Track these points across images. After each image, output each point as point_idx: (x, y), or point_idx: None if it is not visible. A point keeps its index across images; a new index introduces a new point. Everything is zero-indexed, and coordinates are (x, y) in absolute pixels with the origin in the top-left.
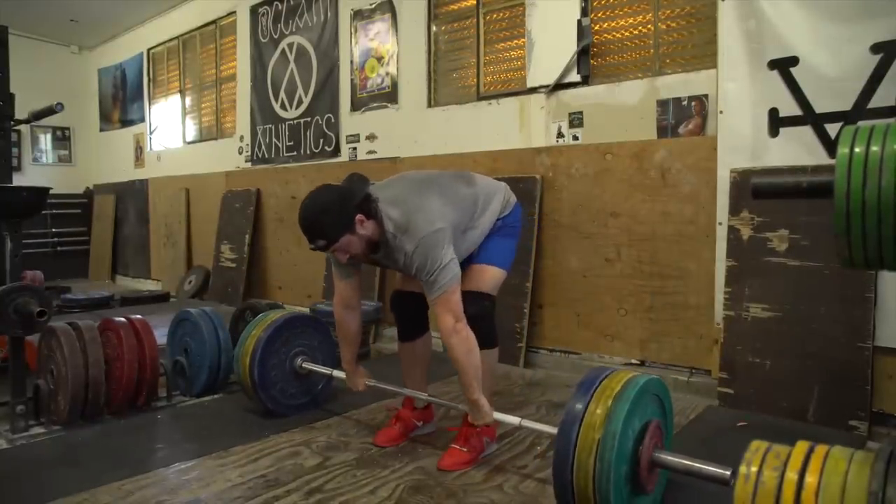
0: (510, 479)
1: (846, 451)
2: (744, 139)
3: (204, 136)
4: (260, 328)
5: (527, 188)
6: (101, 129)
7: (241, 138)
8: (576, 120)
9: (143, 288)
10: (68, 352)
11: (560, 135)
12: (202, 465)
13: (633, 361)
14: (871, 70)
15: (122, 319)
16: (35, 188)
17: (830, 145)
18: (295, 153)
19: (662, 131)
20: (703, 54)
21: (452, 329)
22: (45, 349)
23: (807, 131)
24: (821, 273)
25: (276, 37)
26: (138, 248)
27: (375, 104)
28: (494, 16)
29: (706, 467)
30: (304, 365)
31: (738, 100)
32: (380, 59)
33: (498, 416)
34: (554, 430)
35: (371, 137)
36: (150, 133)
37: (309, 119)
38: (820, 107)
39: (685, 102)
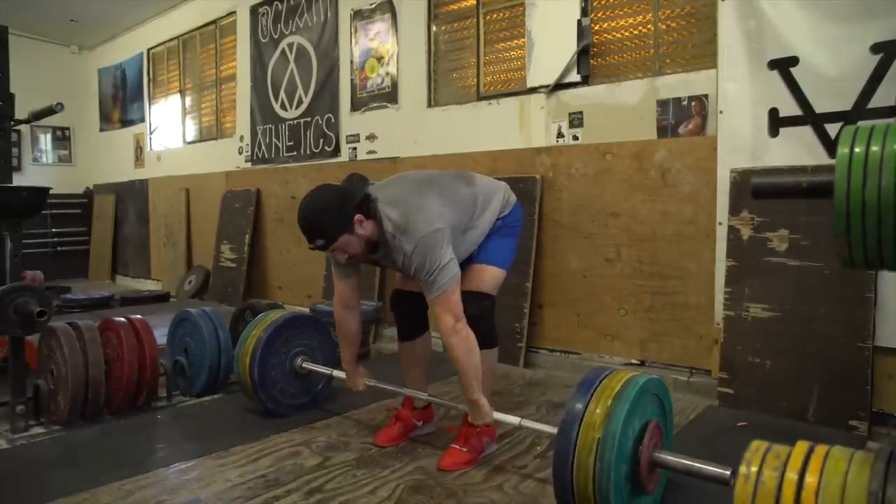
0: (510, 479)
1: (846, 451)
2: (744, 139)
3: (204, 136)
4: (260, 328)
5: (527, 188)
6: (101, 129)
7: (241, 138)
8: (576, 120)
9: (143, 288)
10: (68, 352)
11: (560, 135)
12: (202, 465)
13: (633, 361)
14: (871, 70)
15: (122, 319)
16: (35, 188)
17: (830, 145)
18: (295, 153)
19: (662, 131)
20: (703, 54)
21: (452, 329)
22: (45, 349)
23: (807, 131)
24: (821, 273)
25: (276, 37)
26: (138, 248)
27: (375, 104)
28: (494, 16)
29: (706, 467)
30: (304, 365)
31: (738, 100)
32: (380, 59)
33: (498, 416)
34: (554, 430)
35: (371, 137)
36: (150, 133)
37: (309, 119)
38: (820, 107)
39: (685, 102)
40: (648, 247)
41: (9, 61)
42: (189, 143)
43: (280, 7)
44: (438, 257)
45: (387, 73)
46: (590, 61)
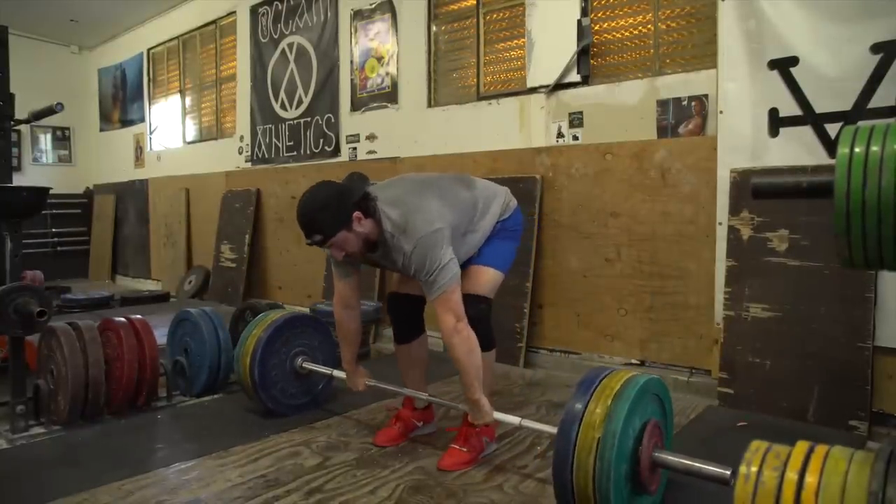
0: (510, 479)
1: (846, 451)
2: (744, 139)
3: (204, 136)
4: (260, 328)
5: (527, 188)
6: (101, 129)
7: (241, 138)
8: (576, 120)
9: (143, 288)
10: (68, 352)
11: (560, 135)
12: (202, 465)
13: (633, 361)
14: (871, 70)
15: (122, 319)
16: (35, 188)
17: (830, 145)
18: (295, 153)
19: (662, 131)
20: (703, 54)
21: (454, 329)
22: (45, 349)
23: (807, 131)
24: (821, 273)
25: (276, 37)
26: (138, 248)
27: (375, 104)
28: (494, 16)
29: (706, 467)
30: (304, 365)
31: (738, 100)
32: (380, 59)
33: (498, 416)
34: (554, 430)
35: (371, 137)
36: (150, 133)
37: (309, 119)
38: (820, 107)
39: (685, 102)
40: (648, 247)
41: (9, 61)
42: (189, 143)
43: (280, 7)
44: (438, 257)
45: (387, 73)
46: (590, 61)
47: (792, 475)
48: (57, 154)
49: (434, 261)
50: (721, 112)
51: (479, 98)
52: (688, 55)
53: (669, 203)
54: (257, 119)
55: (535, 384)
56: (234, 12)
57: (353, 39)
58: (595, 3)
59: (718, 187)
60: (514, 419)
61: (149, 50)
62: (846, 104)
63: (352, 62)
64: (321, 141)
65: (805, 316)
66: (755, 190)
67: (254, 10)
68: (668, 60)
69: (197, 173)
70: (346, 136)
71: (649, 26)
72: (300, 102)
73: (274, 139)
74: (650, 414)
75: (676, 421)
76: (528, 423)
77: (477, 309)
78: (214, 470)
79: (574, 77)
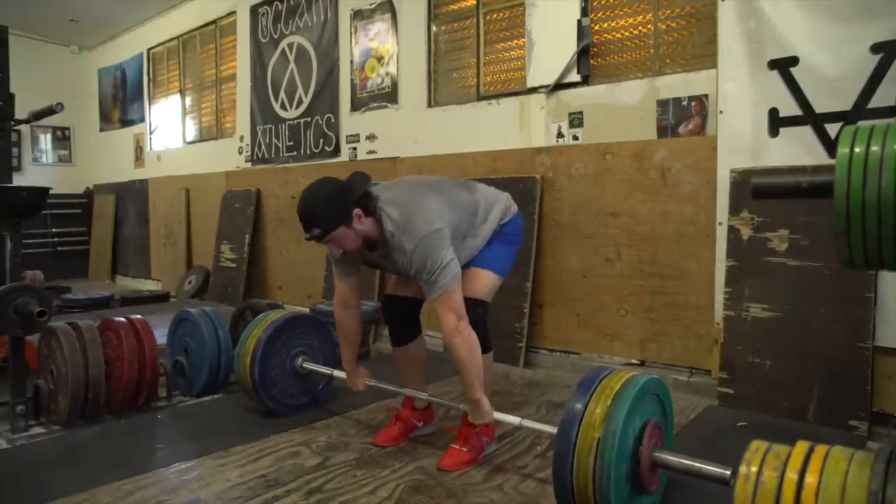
0: (510, 479)
1: (846, 451)
2: (744, 139)
3: (204, 136)
4: (260, 328)
5: (527, 188)
6: (101, 129)
7: (241, 138)
8: (576, 120)
9: (143, 288)
10: (68, 352)
11: (560, 135)
12: (202, 465)
13: (633, 361)
14: (871, 70)
15: (122, 319)
16: (35, 188)
17: (830, 145)
18: (295, 153)
19: (662, 131)
20: (703, 54)
21: (455, 329)
22: (45, 349)
23: (807, 131)
24: (821, 273)
25: (276, 37)
26: (138, 248)
27: (375, 104)
28: (494, 16)
29: (706, 467)
30: (304, 365)
31: (738, 100)
32: (380, 59)
33: (498, 416)
34: (554, 430)
35: (371, 137)
36: (150, 133)
37: (309, 119)
38: (820, 107)
39: (685, 102)
40: (648, 247)
41: (9, 61)
42: (189, 143)
43: (280, 7)
44: (440, 257)
45: (387, 73)
46: (590, 61)
47: (792, 475)
48: (57, 154)
49: (435, 261)
50: (721, 112)
51: (479, 98)
52: (688, 55)
53: (669, 203)
54: (257, 119)
55: (535, 384)
56: (234, 12)
57: (353, 39)
58: (595, 3)
59: (718, 187)
60: (514, 419)
61: (149, 50)
62: (846, 104)
63: (352, 62)
64: (321, 141)
65: (805, 316)
66: (755, 190)
67: (254, 10)
68: (668, 60)
69: (197, 173)
70: (346, 136)
71: (649, 26)
72: (300, 102)
73: (274, 139)
74: (650, 414)
75: (676, 421)
76: (528, 423)
77: (474, 312)
78: (214, 470)
79: (574, 77)
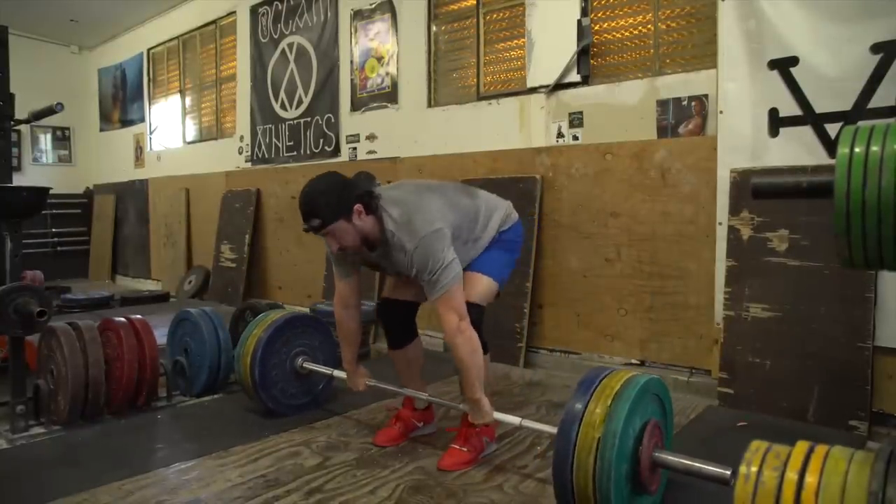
0: (510, 479)
1: (846, 451)
2: (744, 139)
3: (204, 136)
4: (261, 328)
5: (527, 188)
6: (101, 129)
7: (241, 138)
8: (576, 120)
9: (143, 288)
10: (68, 352)
11: (560, 135)
12: (202, 465)
13: (633, 361)
14: (871, 70)
15: (122, 319)
16: (35, 188)
17: (830, 145)
18: (295, 153)
19: (662, 131)
20: (703, 54)
21: (457, 329)
22: (45, 349)
23: (807, 131)
24: (821, 273)
25: (276, 37)
26: (138, 248)
27: (375, 104)
28: (494, 16)
29: (706, 467)
30: (304, 365)
31: (738, 100)
32: (380, 59)
33: (498, 416)
34: (554, 430)
35: (371, 137)
36: (150, 133)
37: (309, 119)
38: (820, 107)
39: (685, 102)
40: (648, 247)
41: (9, 61)
42: (189, 143)
43: (280, 7)
44: (441, 257)
45: (387, 73)
46: (590, 61)
47: (792, 475)
48: (57, 154)
49: (437, 260)
50: (721, 112)
51: (479, 98)
52: (688, 55)
53: (669, 203)
54: (257, 119)
55: (535, 384)
56: (234, 12)
57: (353, 39)
58: (595, 3)
59: (718, 187)
60: (514, 419)
61: (149, 50)
62: (846, 104)
63: (352, 62)
64: (321, 141)
65: (805, 316)
66: (755, 190)
67: (254, 10)
68: (668, 60)
69: (197, 173)
70: (346, 136)
71: (649, 26)
72: (300, 102)
73: (274, 139)
74: (650, 414)
75: (676, 421)
76: (528, 423)
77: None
78: (214, 470)
79: (574, 77)
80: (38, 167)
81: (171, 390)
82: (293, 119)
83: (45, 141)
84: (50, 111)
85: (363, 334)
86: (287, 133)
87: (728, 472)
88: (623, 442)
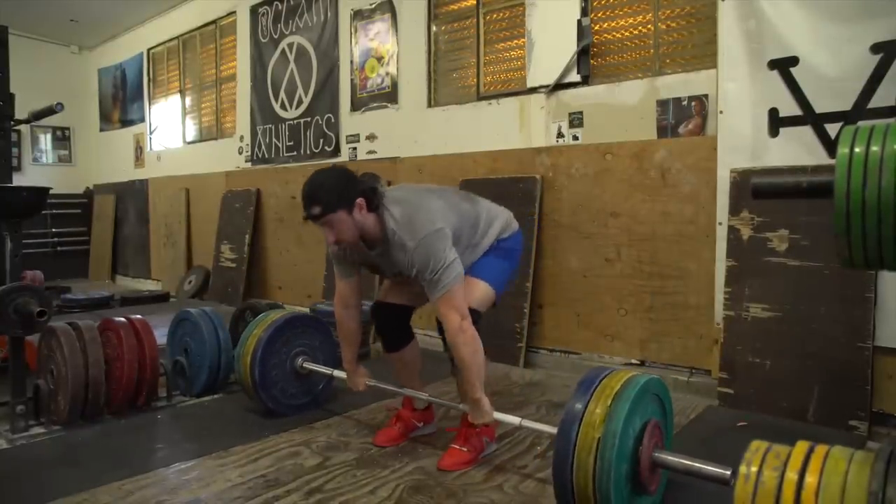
0: (510, 479)
1: (846, 451)
2: (744, 139)
3: (204, 136)
4: (261, 328)
5: (527, 188)
6: (101, 129)
7: (241, 138)
8: (576, 120)
9: (143, 288)
10: (68, 352)
11: (560, 135)
12: (202, 465)
13: (633, 361)
14: (871, 70)
15: (122, 319)
16: (35, 188)
17: (830, 145)
18: (295, 153)
19: (662, 131)
20: (703, 54)
21: (459, 328)
22: (45, 349)
23: (807, 131)
24: (821, 273)
25: (276, 37)
26: (138, 248)
27: (375, 104)
28: (494, 16)
29: (706, 467)
30: (304, 365)
31: (738, 100)
32: (380, 59)
33: (498, 416)
34: (554, 430)
35: (371, 137)
36: (150, 133)
37: (309, 119)
38: (820, 107)
39: (685, 102)
40: (648, 247)
41: (9, 61)
42: (189, 143)
43: (280, 7)
44: (443, 256)
45: (387, 73)
46: (590, 61)
47: (792, 475)
48: (57, 154)
49: (438, 260)
50: (721, 112)
51: (479, 98)
52: (688, 55)
53: (669, 203)
54: (257, 119)
55: (535, 384)
56: (234, 12)
57: (353, 39)
58: (595, 3)
59: (718, 187)
60: (514, 419)
61: (149, 50)
62: (846, 104)
63: (352, 62)
64: (321, 141)
65: (805, 316)
66: (755, 190)
67: (254, 10)
68: (668, 60)
69: (197, 173)
70: (346, 136)
71: (649, 26)
72: (300, 102)
73: (274, 139)
74: (650, 414)
75: (676, 421)
76: (528, 423)
77: None
78: (214, 470)
79: (574, 77)
80: (38, 167)
81: (171, 390)
82: (293, 119)
83: (45, 141)
84: (50, 111)
85: (363, 334)
86: (287, 133)
87: (728, 473)
88: (623, 442)
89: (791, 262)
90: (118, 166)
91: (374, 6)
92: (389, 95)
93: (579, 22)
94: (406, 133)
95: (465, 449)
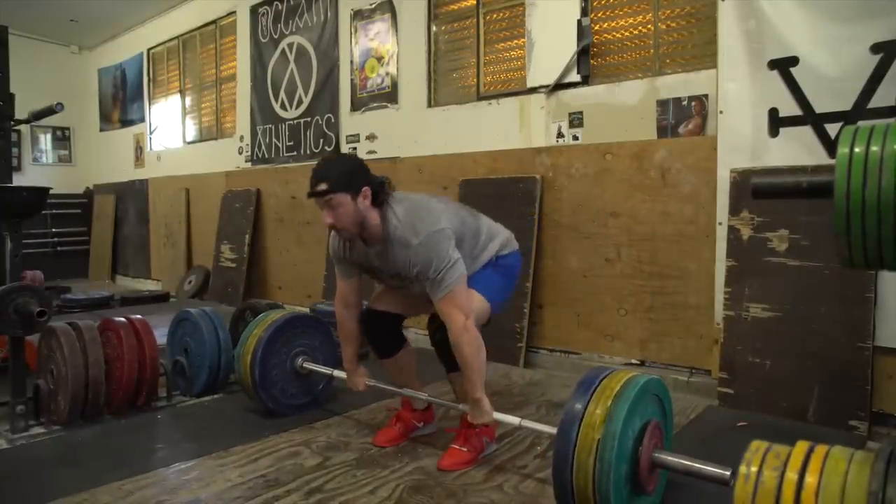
0: (510, 479)
1: (846, 451)
2: (744, 139)
3: (204, 136)
4: (261, 328)
5: (527, 188)
6: (101, 129)
7: (241, 138)
8: (576, 120)
9: (143, 288)
10: (68, 352)
11: (560, 135)
12: (202, 465)
13: (633, 361)
14: (871, 70)
15: (122, 319)
16: (35, 188)
17: (830, 145)
18: (295, 153)
19: (662, 131)
20: (703, 54)
21: (463, 327)
22: (45, 349)
23: (807, 131)
24: (821, 273)
25: (276, 37)
26: (138, 248)
27: (375, 104)
28: (494, 16)
29: (706, 467)
30: (304, 365)
31: (738, 100)
32: (380, 59)
33: (498, 416)
34: (554, 431)
35: (371, 137)
36: (150, 133)
37: (309, 119)
38: (820, 107)
39: (685, 102)
40: (648, 247)
41: (9, 61)
42: (189, 143)
43: (280, 7)
44: (446, 256)
45: (387, 73)
46: (590, 61)
47: (792, 475)
48: (57, 154)
49: (442, 259)
50: (721, 112)
51: (479, 98)
52: (688, 55)
53: (669, 203)
54: (257, 119)
55: (535, 384)
56: (234, 12)
57: (353, 39)
58: (595, 3)
59: (718, 187)
60: (514, 419)
61: (149, 50)
62: (846, 104)
63: (352, 62)
64: (321, 141)
65: (805, 316)
66: (755, 190)
67: (254, 10)
68: (668, 60)
69: (197, 173)
70: (346, 136)
71: (649, 26)
72: (300, 102)
73: (274, 139)
74: (650, 414)
75: (676, 421)
76: (527, 423)
77: None
78: (214, 470)
79: (574, 77)
80: (38, 167)
81: (171, 390)
82: (293, 119)
83: (45, 141)
84: (50, 111)
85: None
86: (287, 133)
87: (728, 473)
88: (622, 443)
89: (791, 262)
90: (118, 166)
91: (374, 6)
92: (389, 95)
93: (579, 22)
94: (406, 133)
95: (464, 449)
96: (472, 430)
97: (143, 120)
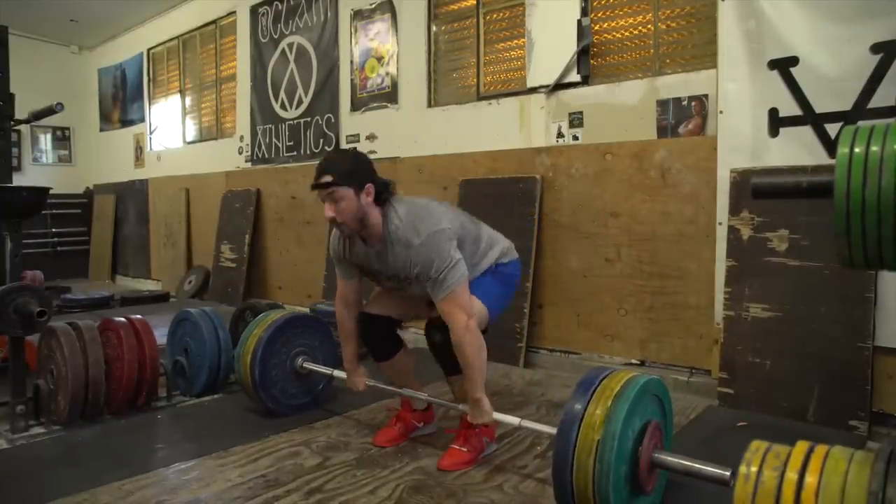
0: (510, 479)
1: (846, 451)
2: (744, 139)
3: (204, 136)
4: (261, 328)
5: (527, 188)
6: (101, 129)
7: (241, 138)
8: (576, 120)
9: (143, 288)
10: (68, 352)
11: (560, 135)
12: (202, 465)
13: (633, 361)
14: (871, 70)
15: (122, 319)
16: (35, 188)
17: (830, 145)
18: (295, 153)
19: (662, 131)
20: (703, 54)
21: (465, 327)
22: (45, 349)
23: (807, 131)
24: (821, 273)
25: (276, 37)
26: (138, 248)
27: (375, 104)
28: (494, 16)
29: (706, 467)
30: (304, 365)
31: (738, 100)
32: (380, 59)
33: (498, 416)
34: (554, 431)
35: (371, 137)
36: (150, 133)
37: (309, 119)
38: (820, 107)
39: (685, 102)
40: (648, 247)
41: (9, 61)
42: (189, 143)
43: (280, 7)
44: (448, 256)
45: (387, 73)
46: (590, 61)
47: (792, 475)
48: (57, 154)
49: (443, 259)
50: (721, 112)
51: (479, 98)
52: (688, 55)
53: (669, 203)
54: (257, 119)
55: (535, 384)
56: (234, 12)
57: (353, 39)
58: (595, 3)
59: (718, 187)
60: (513, 419)
61: (149, 50)
62: (846, 104)
63: (352, 62)
64: (321, 141)
65: (805, 316)
66: (755, 190)
67: (254, 10)
68: (668, 60)
69: (197, 173)
70: (346, 136)
71: (649, 26)
72: (300, 102)
73: (274, 139)
74: (650, 415)
75: (676, 421)
76: (527, 423)
77: None
78: (214, 470)
79: (574, 77)
80: (38, 167)
81: (171, 390)
82: (293, 119)
83: (45, 141)
84: (50, 111)
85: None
86: (287, 133)
87: (728, 473)
88: (622, 443)
89: (791, 262)
90: (118, 166)
91: (374, 6)
92: (389, 95)
93: (579, 22)
94: (406, 133)
95: (464, 449)
96: (472, 431)
97: (143, 120)
